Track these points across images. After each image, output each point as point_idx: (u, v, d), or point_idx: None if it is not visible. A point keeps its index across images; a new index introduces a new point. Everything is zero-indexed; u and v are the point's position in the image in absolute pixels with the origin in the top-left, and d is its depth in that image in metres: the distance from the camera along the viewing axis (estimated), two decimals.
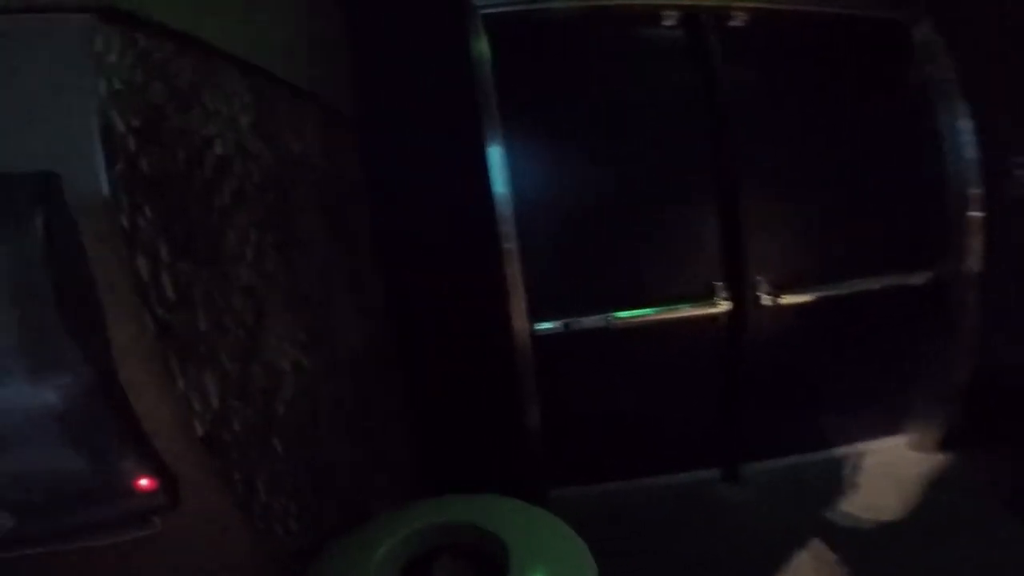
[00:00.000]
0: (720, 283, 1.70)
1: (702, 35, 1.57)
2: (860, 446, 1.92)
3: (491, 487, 1.69)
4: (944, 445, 1.85)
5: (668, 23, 1.59)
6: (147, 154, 0.63)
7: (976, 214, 1.69)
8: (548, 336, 1.60)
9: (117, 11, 0.59)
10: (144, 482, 0.53)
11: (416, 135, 1.51)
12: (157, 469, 0.54)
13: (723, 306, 1.69)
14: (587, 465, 1.84)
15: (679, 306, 1.68)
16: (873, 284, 1.74)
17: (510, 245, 1.50)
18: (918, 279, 1.79)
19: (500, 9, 1.53)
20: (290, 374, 0.89)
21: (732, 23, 1.59)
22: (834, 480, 1.80)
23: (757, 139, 1.64)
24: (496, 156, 1.50)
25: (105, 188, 0.57)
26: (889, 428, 1.94)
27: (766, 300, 1.69)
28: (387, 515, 0.90)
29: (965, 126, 1.67)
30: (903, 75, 1.71)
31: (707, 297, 1.70)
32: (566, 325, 1.61)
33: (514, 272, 1.51)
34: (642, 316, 1.66)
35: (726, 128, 1.61)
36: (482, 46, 1.52)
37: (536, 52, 1.62)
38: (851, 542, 1.53)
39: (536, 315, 1.59)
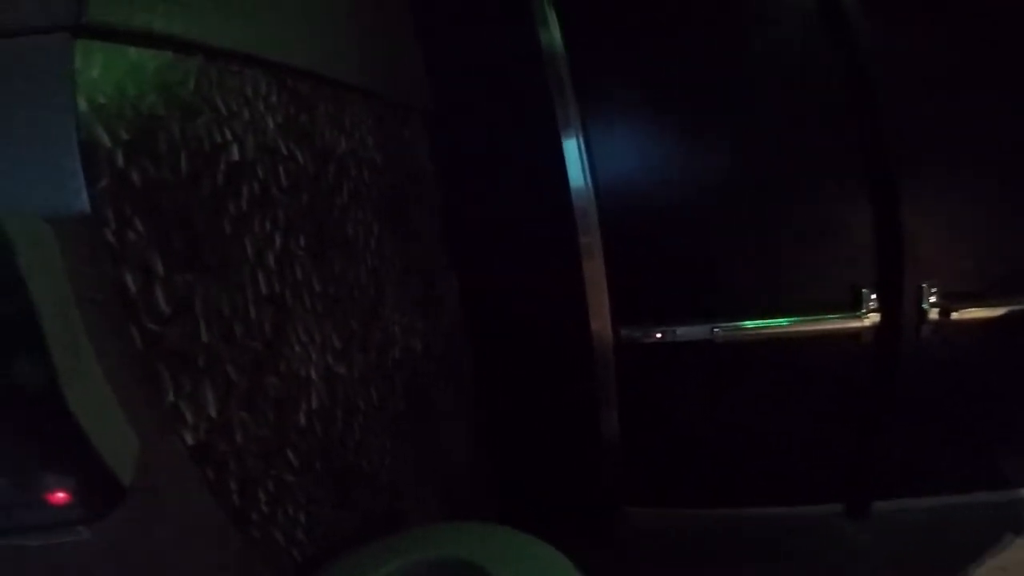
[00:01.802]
0: (868, 290, 1.36)
1: None
2: None
3: (562, 501, 1.61)
4: None
5: None
6: (139, 167, 0.63)
7: None
8: (637, 344, 1.43)
9: (96, 27, 0.59)
10: (60, 495, 0.54)
11: (494, 123, 1.43)
12: (76, 484, 0.54)
13: (871, 319, 1.36)
14: (678, 487, 1.63)
15: (810, 318, 1.38)
16: None
17: (588, 239, 1.35)
18: None
19: None
20: (318, 383, 0.87)
21: None
22: (990, 528, 1.39)
23: (920, 106, 1.27)
24: (571, 140, 1.35)
25: (86, 205, 0.58)
26: None
27: (933, 313, 1.32)
28: (373, 545, 0.86)
29: None
30: None
31: (850, 307, 1.38)
32: (660, 334, 1.41)
33: (594, 269, 1.36)
34: (759, 329, 1.40)
35: (876, 96, 1.26)
36: (551, 23, 1.38)
37: (619, 23, 1.42)
38: None
39: (623, 320, 1.42)
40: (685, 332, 1.41)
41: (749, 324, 1.39)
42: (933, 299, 1.32)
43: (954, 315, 1.31)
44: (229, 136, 0.74)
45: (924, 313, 1.32)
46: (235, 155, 0.75)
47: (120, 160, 0.61)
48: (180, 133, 0.67)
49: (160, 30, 0.66)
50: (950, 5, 1.30)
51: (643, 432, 1.57)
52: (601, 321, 1.43)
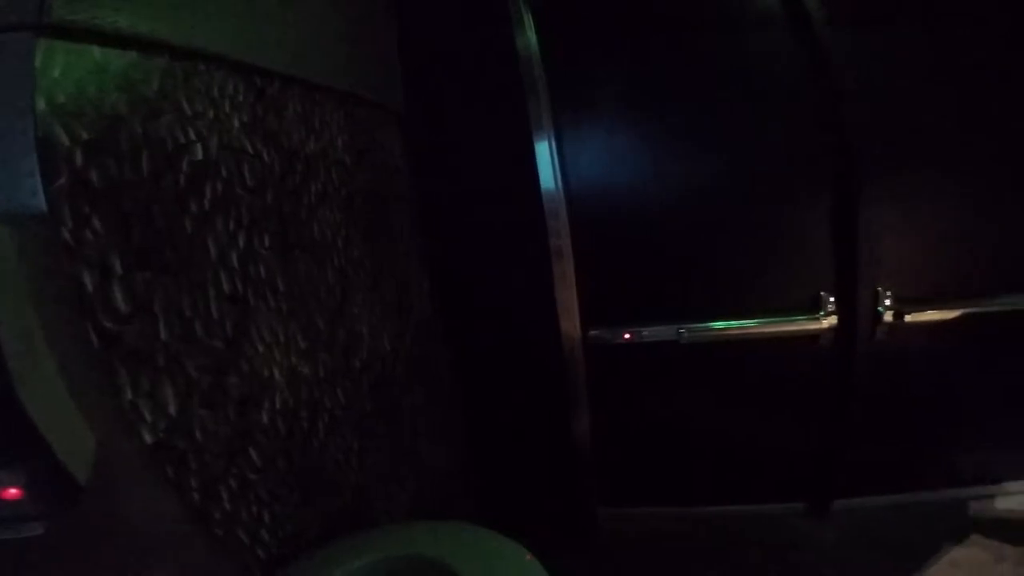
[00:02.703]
0: (827, 294, 1.41)
1: None
2: (991, 488, 1.54)
3: (538, 500, 1.64)
4: None
5: None
6: (99, 166, 0.63)
7: None
8: (605, 346, 1.45)
9: (59, 27, 0.59)
10: (13, 491, 0.54)
11: (469, 125, 1.44)
12: (30, 481, 0.55)
13: (829, 321, 1.41)
14: (646, 486, 1.67)
15: (771, 320, 1.43)
16: None
17: (559, 241, 1.38)
18: None
19: None
20: (281, 383, 0.88)
21: None
22: (947, 525, 1.46)
23: (878, 116, 1.32)
24: (543, 143, 1.38)
25: (43, 204, 0.58)
26: None
27: (888, 316, 1.37)
28: (338, 543, 0.87)
29: None
30: None
31: (809, 310, 1.43)
32: (628, 335, 1.44)
33: (564, 270, 1.38)
34: (722, 330, 1.43)
35: (836, 104, 1.31)
36: (527, 27, 1.40)
37: (593, 29, 1.45)
38: None
39: (593, 321, 1.45)
40: (652, 333, 1.44)
41: (713, 325, 1.43)
42: (888, 302, 1.37)
43: (908, 318, 1.37)
44: (193, 136, 0.75)
45: (879, 316, 1.37)
46: (198, 155, 0.75)
47: (79, 159, 0.61)
48: (142, 132, 0.68)
49: (127, 30, 0.66)
50: (911, 17, 1.36)
51: (614, 431, 1.60)
52: (571, 322, 1.45)
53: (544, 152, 1.43)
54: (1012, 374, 1.48)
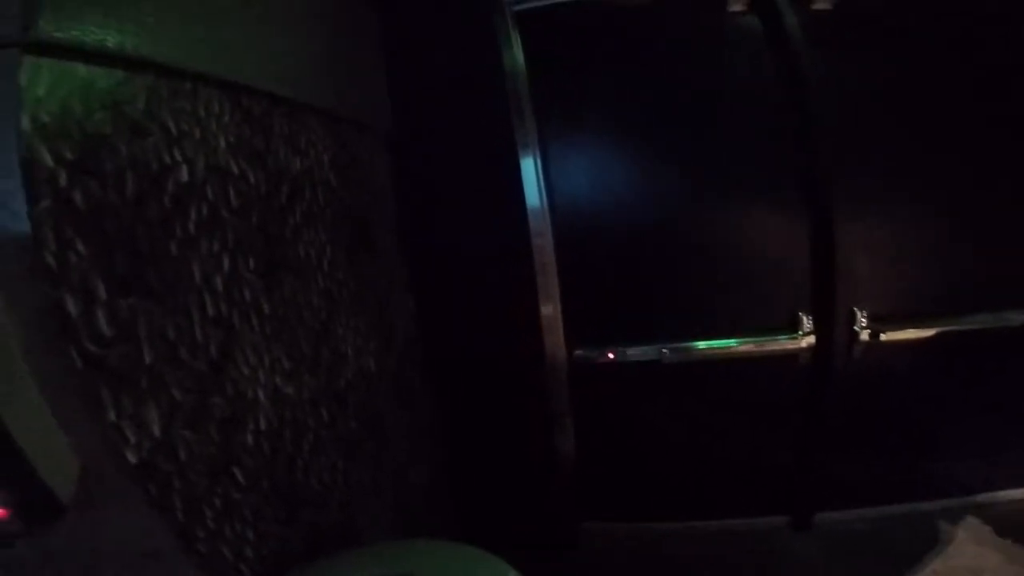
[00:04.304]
0: (805, 313, 1.44)
1: (779, 21, 1.33)
2: (969, 499, 1.57)
3: (522, 517, 1.63)
4: None
5: (736, 7, 1.37)
6: (83, 187, 0.62)
7: None
8: (589, 364, 1.46)
9: (45, 44, 0.58)
10: None
11: (454, 145, 1.45)
12: (13, 500, 0.54)
13: (807, 341, 1.43)
14: (631, 502, 1.67)
15: (751, 339, 1.45)
16: (1008, 320, 1.38)
17: (544, 259, 1.39)
18: None
19: (535, 4, 1.42)
20: (266, 404, 0.87)
21: (816, 5, 1.33)
22: (928, 536, 1.48)
23: (853, 139, 1.37)
24: (529, 164, 1.40)
25: (26, 226, 0.57)
26: (1011, 479, 1.56)
27: (864, 335, 1.41)
28: (322, 563, 0.86)
29: None
30: None
31: (788, 330, 1.45)
32: (612, 355, 1.46)
33: (549, 290, 1.39)
34: (704, 350, 1.45)
35: (813, 128, 1.35)
36: (515, 46, 1.42)
37: (579, 50, 1.48)
38: None
39: (576, 341, 1.46)
40: (635, 352, 1.45)
41: (695, 345, 1.45)
42: (864, 322, 1.40)
43: (883, 336, 1.40)
44: (179, 157, 0.74)
45: (856, 335, 1.40)
46: (184, 176, 0.75)
47: (63, 180, 0.60)
48: (127, 153, 0.67)
49: (113, 47, 0.66)
50: (888, 41, 1.41)
51: (598, 449, 1.61)
52: (555, 341, 1.46)
53: (529, 170, 1.44)
54: (985, 390, 1.52)
